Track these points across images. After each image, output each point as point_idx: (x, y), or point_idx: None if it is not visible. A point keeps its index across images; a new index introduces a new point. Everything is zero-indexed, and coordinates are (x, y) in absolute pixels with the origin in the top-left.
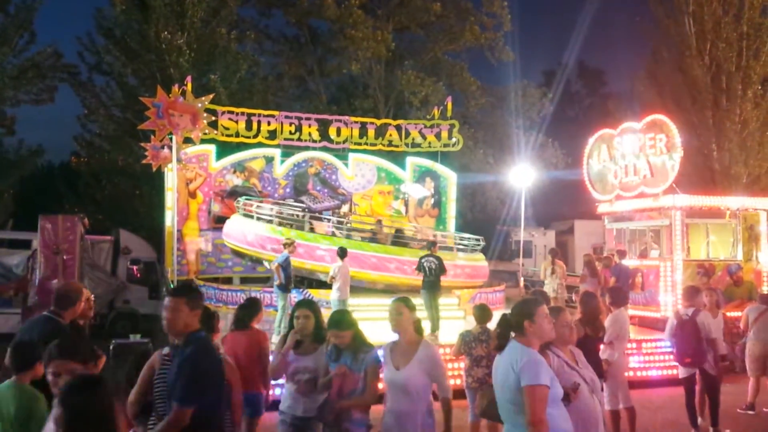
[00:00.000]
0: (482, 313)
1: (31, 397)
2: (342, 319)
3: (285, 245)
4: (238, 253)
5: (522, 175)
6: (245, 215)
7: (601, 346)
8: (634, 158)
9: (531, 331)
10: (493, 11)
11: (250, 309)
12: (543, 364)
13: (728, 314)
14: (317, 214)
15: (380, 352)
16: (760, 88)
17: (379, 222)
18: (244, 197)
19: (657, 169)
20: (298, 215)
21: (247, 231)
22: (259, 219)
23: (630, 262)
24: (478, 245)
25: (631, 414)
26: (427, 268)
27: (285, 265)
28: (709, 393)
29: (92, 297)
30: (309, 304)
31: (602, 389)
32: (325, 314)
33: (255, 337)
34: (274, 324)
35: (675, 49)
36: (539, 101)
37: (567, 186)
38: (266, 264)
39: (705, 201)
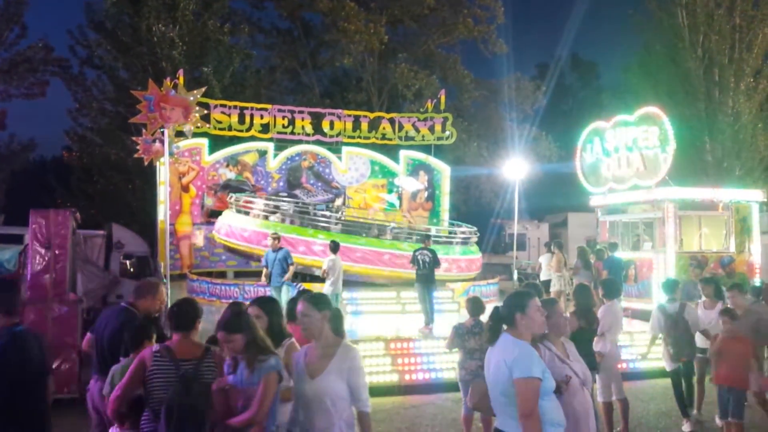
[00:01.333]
0: (475, 305)
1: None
2: (232, 319)
3: (275, 239)
4: (230, 250)
5: (516, 168)
6: (238, 211)
7: (595, 338)
8: (627, 151)
9: (523, 324)
10: (486, 4)
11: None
12: (535, 357)
13: None
14: (312, 210)
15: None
16: (752, 80)
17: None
18: (236, 194)
19: (650, 161)
20: (296, 210)
21: (240, 227)
22: (249, 214)
23: (622, 254)
24: (473, 236)
25: (624, 405)
26: (420, 261)
27: (291, 262)
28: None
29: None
30: (263, 302)
31: (595, 381)
32: None
33: None
34: None
35: (668, 42)
36: (533, 94)
37: (560, 179)
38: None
39: (697, 193)
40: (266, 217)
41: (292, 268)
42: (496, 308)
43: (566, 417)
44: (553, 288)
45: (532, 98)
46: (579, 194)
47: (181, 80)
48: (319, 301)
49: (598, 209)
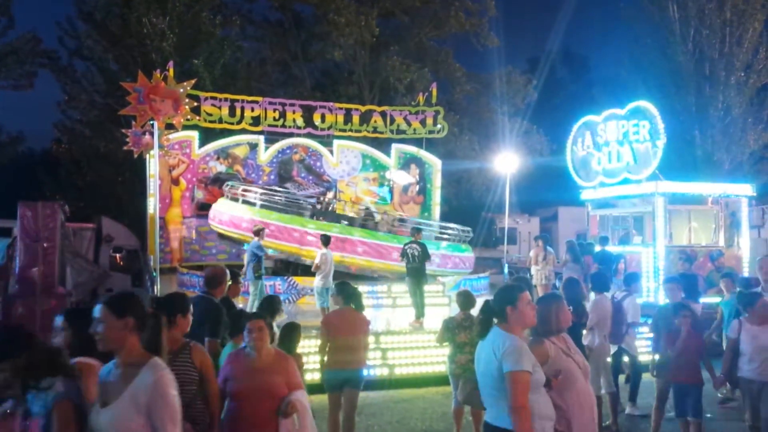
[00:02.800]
0: (466, 299)
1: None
2: None
3: (255, 233)
4: (224, 237)
5: (507, 162)
6: (233, 199)
7: (583, 332)
8: (617, 145)
9: (513, 318)
10: None
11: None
12: (525, 350)
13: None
14: (302, 200)
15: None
16: (742, 74)
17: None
18: (231, 182)
19: (640, 155)
20: (288, 199)
21: (234, 214)
22: (245, 203)
23: (612, 248)
24: (467, 236)
25: (614, 399)
26: (410, 255)
27: (259, 253)
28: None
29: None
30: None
31: None
32: (310, 302)
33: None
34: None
35: (659, 36)
36: (524, 88)
37: (551, 173)
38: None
39: (687, 187)
40: (262, 206)
41: (245, 259)
42: (486, 302)
43: (575, 407)
44: (535, 281)
45: (523, 92)
46: (569, 188)
47: (171, 72)
48: (121, 305)
49: (589, 203)
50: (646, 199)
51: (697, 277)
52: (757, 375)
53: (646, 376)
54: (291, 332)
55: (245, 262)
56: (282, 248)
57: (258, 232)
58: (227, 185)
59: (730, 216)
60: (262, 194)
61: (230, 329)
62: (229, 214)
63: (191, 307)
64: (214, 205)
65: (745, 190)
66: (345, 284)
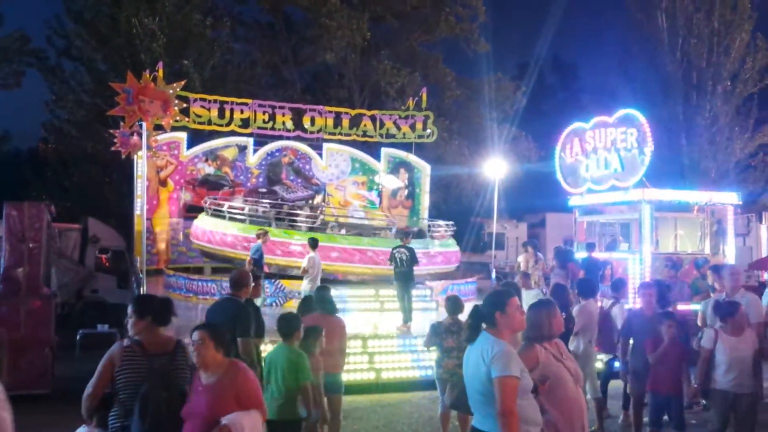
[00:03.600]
0: (454, 304)
1: (298, 354)
2: None
3: (258, 236)
4: (207, 254)
5: (495, 168)
6: (214, 215)
7: (570, 338)
8: (605, 152)
9: (502, 323)
10: (468, 2)
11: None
12: (513, 356)
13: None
14: (289, 209)
15: None
16: (729, 84)
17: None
18: (211, 198)
19: (628, 162)
20: (268, 211)
21: (217, 232)
22: (230, 219)
23: (598, 254)
24: (450, 231)
25: (599, 404)
26: (398, 259)
27: (257, 257)
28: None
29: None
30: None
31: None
32: (297, 305)
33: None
34: None
35: (647, 44)
36: (513, 94)
37: (539, 179)
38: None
39: (674, 195)
40: (243, 221)
41: (248, 262)
42: (476, 307)
43: (562, 414)
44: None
45: (512, 98)
46: (557, 194)
47: (161, 73)
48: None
49: (576, 210)
50: (633, 206)
51: (670, 285)
52: (732, 387)
53: None
54: (312, 333)
55: (246, 264)
56: (268, 262)
57: (260, 236)
58: (206, 201)
59: (716, 224)
60: (249, 210)
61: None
62: (212, 231)
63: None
64: (195, 222)
65: (731, 198)
66: (319, 289)
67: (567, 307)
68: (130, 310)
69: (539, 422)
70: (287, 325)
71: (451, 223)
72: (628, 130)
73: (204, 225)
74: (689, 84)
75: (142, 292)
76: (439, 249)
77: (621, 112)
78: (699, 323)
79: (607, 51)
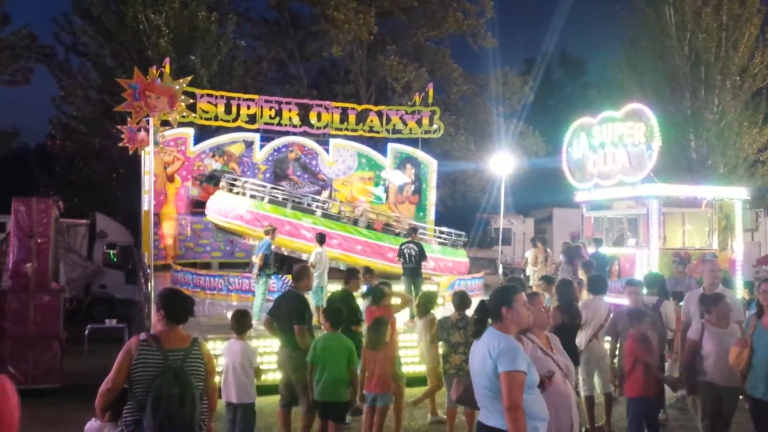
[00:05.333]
0: (461, 300)
1: (348, 343)
2: None
3: (266, 232)
4: (221, 228)
5: (502, 163)
6: (230, 191)
7: (578, 333)
8: (612, 147)
9: (509, 318)
10: None
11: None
12: (520, 350)
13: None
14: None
15: None
16: (738, 78)
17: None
18: (229, 176)
19: (635, 158)
20: (286, 194)
21: (232, 206)
22: (244, 195)
23: (606, 250)
24: (460, 240)
25: (608, 399)
26: (407, 255)
27: (267, 252)
28: None
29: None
30: None
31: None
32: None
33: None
34: (253, 309)
35: (655, 39)
36: (520, 89)
37: (546, 174)
38: (247, 241)
39: (682, 190)
40: (262, 198)
41: (254, 259)
42: (482, 302)
43: (549, 410)
44: (531, 282)
45: (519, 93)
46: (564, 190)
47: (168, 69)
48: None
49: (583, 205)
50: (641, 202)
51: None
52: (721, 379)
53: None
54: (383, 324)
55: (255, 261)
56: (278, 242)
57: (269, 232)
58: (225, 177)
59: (724, 219)
60: (270, 188)
61: (350, 320)
62: (228, 205)
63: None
64: (212, 197)
65: (739, 193)
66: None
67: (573, 303)
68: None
69: (546, 417)
70: (337, 316)
71: (462, 233)
72: (635, 125)
73: (220, 200)
74: (697, 79)
75: (150, 288)
76: (437, 255)
77: (628, 107)
78: (682, 317)
79: (614, 45)
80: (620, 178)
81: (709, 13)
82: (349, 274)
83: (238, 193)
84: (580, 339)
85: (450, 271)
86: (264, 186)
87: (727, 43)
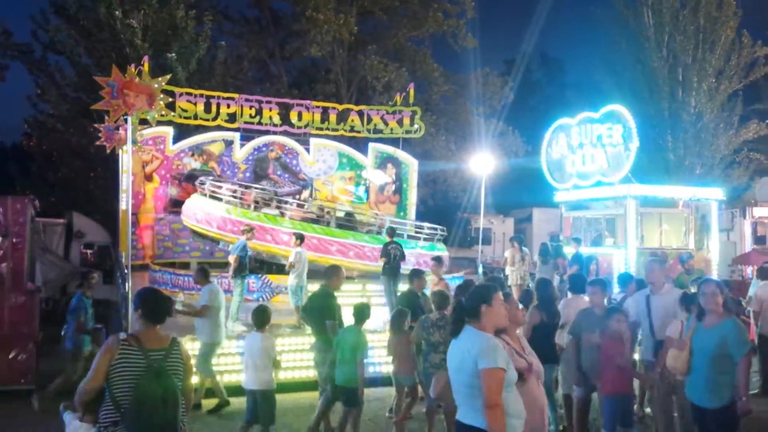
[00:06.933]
0: (441, 299)
1: (362, 335)
2: None
3: (243, 232)
4: (197, 233)
5: (482, 163)
6: (207, 195)
7: (557, 332)
8: (591, 147)
9: (487, 317)
10: None
11: None
12: (499, 348)
13: None
14: (280, 198)
15: None
16: (714, 80)
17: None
18: (208, 178)
19: (613, 158)
20: (262, 197)
21: (208, 211)
22: (219, 199)
23: (584, 249)
24: (441, 236)
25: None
26: (392, 255)
27: (242, 254)
28: None
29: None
30: None
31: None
32: (283, 300)
33: None
34: (230, 310)
35: (633, 40)
36: (500, 89)
37: (526, 174)
38: (224, 246)
39: (659, 191)
40: (235, 204)
41: (230, 259)
42: (460, 300)
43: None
44: (509, 281)
45: (499, 93)
46: (544, 190)
47: (147, 67)
48: None
49: (562, 205)
50: (619, 202)
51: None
52: None
53: None
54: (401, 317)
55: (231, 261)
56: (258, 248)
57: (245, 232)
58: (200, 182)
59: (700, 219)
60: (245, 193)
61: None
62: (204, 211)
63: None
64: (187, 201)
65: (715, 194)
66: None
67: (552, 302)
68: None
69: (523, 414)
70: (360, 312)
71: (442, 228)
72: (614, 125)
73: (196, 204)
74: (675, 80)
75: (127, 288)
76: (422, 251)
77: (607, 108)
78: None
79: (593, 47)
80: (598, 178)
81: (686, 15)
82: (414, 274)
83: (214, 197)
84: (561, 338)
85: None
86: (242, 188)
87: (704, 45)
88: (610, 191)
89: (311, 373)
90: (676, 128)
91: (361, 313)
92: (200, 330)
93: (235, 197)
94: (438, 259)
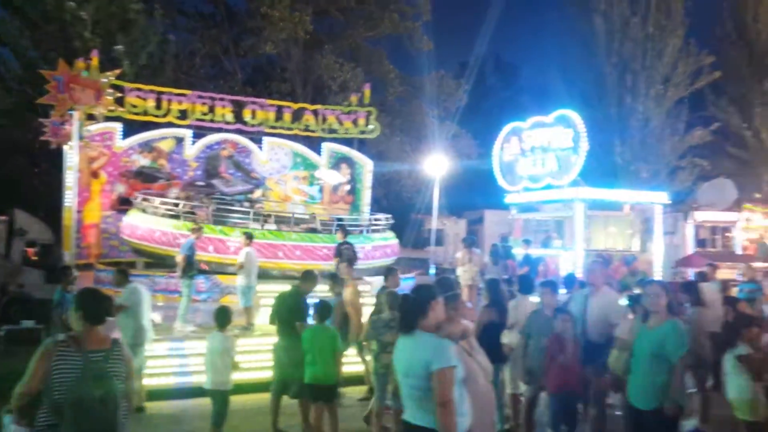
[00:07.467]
0: (393, 299)
1: (334, 331)
2: None
3: (192, 230)
4: (139, 252)
5: (436, 165)
6: (145, 210)
7: (505, 331)
8: (541, 151)
9: (432, 316)
10: (413, 0)
11: None
12: (450, 346)
13: None
14: (226, 203)
15: None
16: (661, 87)
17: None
18: (142, 194)
19: (563, 162)
20: (202, 206)
21: (149, 228)
22: (162, 215)
23: (533, 251)
24: (388, 223)
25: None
26: (345, 255)
27: (190, 253)
28: None
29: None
30: None
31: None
32: (234, 301)
33: None
34: (178, 311)
35: (585, 47)
36: (455, 92)
37: (479, 176)
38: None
39: (606, 194)
40: (177, 217)
41: (178, 259)
42: (405, 299)
43: (472, 408)
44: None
45: (454, 96)
46: (496, 192)
47: (95, 61)
48: None
49: (514, 207)
50: (568, 204)
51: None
52: None
53: None
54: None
55: (178, 261)
56: (204, 259)
57: (194, 230)
58: (137, 197)
59: (645, 222)
60: (175, 205)
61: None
62: (144, 227)
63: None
64: (125, 218)
65: (660, 198)
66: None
67: (501, 302)
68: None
69: (467, 413)
70: (325, 310)
71: (389, 216)
72: (564, 130)
73: (134, 221)
74: (624, 87)
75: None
76: (378, 243)
77: (558, 113)
78: None
79: (547, 52)
80: (549, 181)
81: (637, 23)
82: (388, 272)
83: (154, 213)
84: (511, 338)
85: (389, 255)
86: (187, 202)
87: (653, 52)
88: (559, 194)
89: (261, 375)
90: (624, 133)
91: (325, 310)
92: (123, 332)
93: (173, 214)
94: (350, 261)
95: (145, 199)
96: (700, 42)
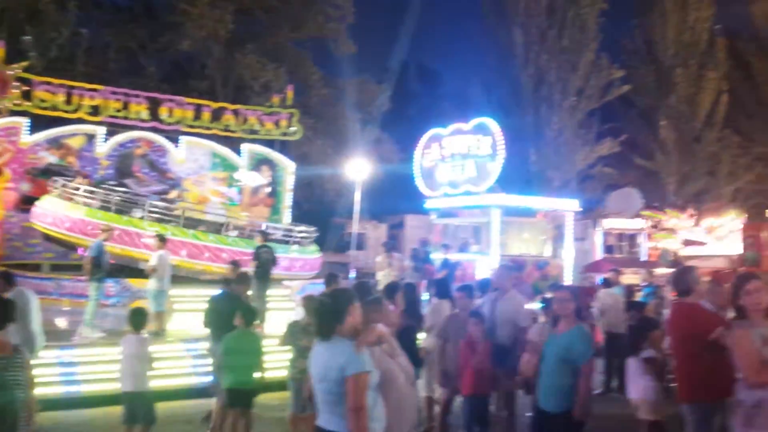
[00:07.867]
0: (312, 304)
1: (255, 336)
2: None
3: (103, 230)
4: (49, 238)
5: (358, 169)
6: (61, 197)
7: (422, 335)
8: (461, 158)
9: (349, 321)
10: (337, 2)
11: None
12: (365, 352)
13: None
14: (144, 199)
15: None
16: (575, 99)
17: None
18: (62, 178)
19: (481, 168)
20: (124, 198)
21: (62, 214)
22: (76, 201)
23: (451, 256)
24: (312, 236)
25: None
26: (264, 259)
27: (98, 254)
28: None
29: None
30: None
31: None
32: (144, 305)
33: None
34: (84, 316)
35: (504, 57)
36: (378, 97)
37: (401, 181)
38: (80, 252)
39: (521, 201)
40: (93, 206)
41: (85, 261)
42: (322, 304)
43: (394, 411)
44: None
45: (377, 101)
46: (417, 197)
47: (1, 52)
48: None
49: (433, 212)
50: (485, 211)
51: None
52: None
53: None
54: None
55: (84, 263)
56: (115, 251)
57: (104, 231)
58: (54, 180)
59: (557, 229)
60: (97, 193)
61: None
62: (56, 214)
63: None
64: (38, 202)
65: (572, 205)
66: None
67: (416, 305)
68: None
69: (383, 418)
70: (252, 314)
71: (314, 228)
72: (482, 137)
73: (49, 206)
74: (540, 97)
75: None
76: (301, 255)
77: (477, 120)
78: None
79: (468, 60)
80: (467, 187)
81: (554, 36)
82: (330, 278)
83: (70, 199)
84: (428, 341)
85: (308, 270)
86: (100, 191)
87: (567, 65)
88: (476, 200)
89: (178, 382)
90: (539, 142)
91: (250, 314)
92: (11, 339)
93: (92, 198)
94: (267, 265)
95: (64, 185)
96: (611, 57)
